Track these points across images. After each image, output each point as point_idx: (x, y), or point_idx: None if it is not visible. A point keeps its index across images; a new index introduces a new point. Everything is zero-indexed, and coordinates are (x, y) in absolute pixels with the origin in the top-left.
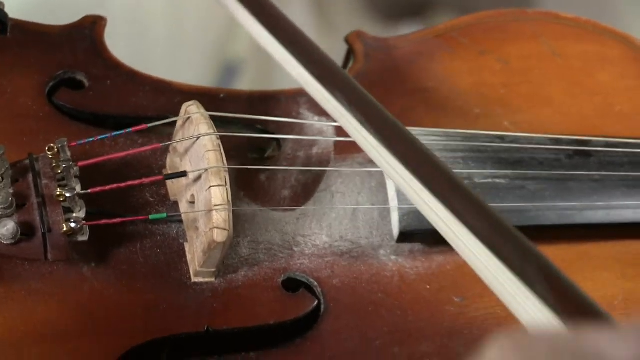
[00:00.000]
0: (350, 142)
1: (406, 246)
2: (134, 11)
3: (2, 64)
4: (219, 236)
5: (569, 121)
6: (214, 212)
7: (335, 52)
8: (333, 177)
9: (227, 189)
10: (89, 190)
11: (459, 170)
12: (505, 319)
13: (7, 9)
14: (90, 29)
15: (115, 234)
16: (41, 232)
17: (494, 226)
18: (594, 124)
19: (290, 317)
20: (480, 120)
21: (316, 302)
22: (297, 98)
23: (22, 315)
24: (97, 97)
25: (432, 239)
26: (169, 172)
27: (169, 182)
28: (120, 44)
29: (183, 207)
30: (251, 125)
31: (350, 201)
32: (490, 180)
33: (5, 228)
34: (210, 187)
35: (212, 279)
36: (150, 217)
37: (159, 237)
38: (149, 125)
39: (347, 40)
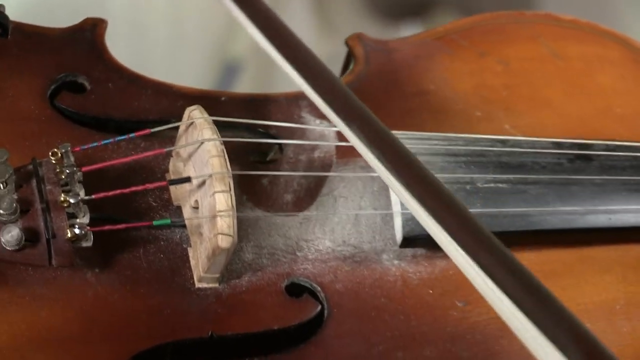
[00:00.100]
0: (352, 146)
1: (409, 251)
2: (133, 11)
3: (3, 67)
4: (224, 242)
5: (569, 123)
6: (218, 218)
7: (335, 52)
8: (335, 181)
9: (231, 195)
10: (93, 196)
11: (461, 175)
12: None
13: (6, 10)
14: (91, 32)
15: (119, 240)
16: (45, 238)
17: (529, 290)
18: (594, 126)
19: (293, 322)
20: (481, 123)
21: (319, 307)
22: (299, 101)
23: (26, 321)
24: (99, 101)
25: (435, 244)
26: (172, 176)
27: (172, 187)
28: (120, 44)
29: (187, 212)
30: (253, 129)
31: (353, 205)
32: (492, 184)
33: (10, 234)
34: (215, 192)
35: (216, 285)
36: (154, 223)
37: (162, 243)
38: (153, 130)
39: (347, 43)
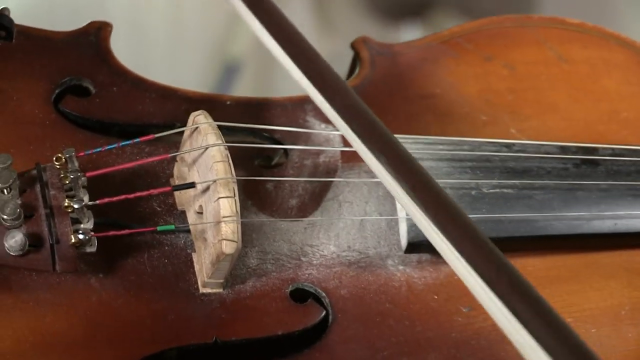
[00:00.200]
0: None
1: (414, 256)
2: (133, 11)
3: (7, 71)
4: (228, 248)
5: (574, 127)
6: (223, 224)
7: (335, 51)
8: (340, 186)
9: (235, 200)
10: (97, 202)
11: (466, 180)
12: None
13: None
14: (95, 35)
15: (123, 245)
16: (49, 244)
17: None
18: (600, 130)
19: (298, 328)
20: (487, 127)
21: (324, 313)
22: (304, 105)
23: (30, 326)
24: (103, 104)
25: None
26: (177, 181)
27: (176, 192)
28: (120, 44)
29: (191, 217)
30: (258, 133)
31: (358, 211)
32: (498, 190)
33: (14, 239)
34: (219, 198)
35: (220, 290)
36: (158, 228)
37: (166, 248)
38: (157, 135)
39: (353, 46)
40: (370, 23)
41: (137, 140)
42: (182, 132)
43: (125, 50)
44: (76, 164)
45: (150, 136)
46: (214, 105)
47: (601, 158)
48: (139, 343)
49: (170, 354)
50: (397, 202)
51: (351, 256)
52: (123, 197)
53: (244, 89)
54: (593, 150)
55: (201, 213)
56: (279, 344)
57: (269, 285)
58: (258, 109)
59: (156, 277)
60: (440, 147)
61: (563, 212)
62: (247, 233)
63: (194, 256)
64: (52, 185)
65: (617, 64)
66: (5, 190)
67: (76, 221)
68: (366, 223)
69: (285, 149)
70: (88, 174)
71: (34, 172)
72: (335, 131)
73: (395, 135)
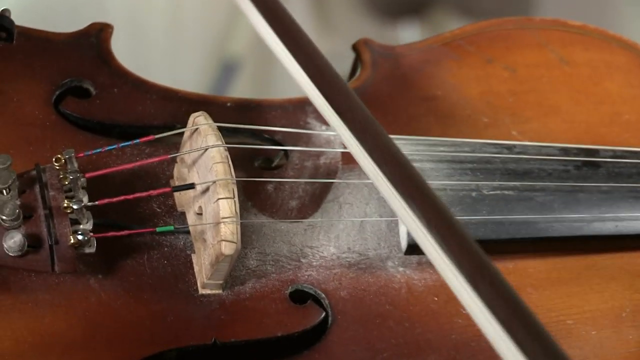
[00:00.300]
0: None
1: (414, 258)
2: (132, 10)
3: (8, 72)
4: (227, 249)
5: (576, 129)
6: (222, 225)
7: (334, 50)
8: (341, 188)
9: (235, 202)
10: (97, 202)
11: (467, 182)
12: None
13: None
14: (96, 37)
15: (122, 246)
16: (48, 244)
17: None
18: (601, 133)
19: (297, 329)
20: (488, 130)
21: (324, 314)
22: (305, 107)
23: (29, 327)
24: (104, 106)
25: None
26: (177, 182)
27: (176, 193)
28: (119, 43)
29: (190, 218)
30: (258, 134)
31: (358, 212)
32: (499, 191)
33: (13, 240)
34: (219, 199)
35: (220, 291)
36: (158, 229)
37: (166, 249)
38: (157, 136)
39: (354, 48)
40: (368, 22)
41: (137, 141)
42: (182, 133)
43: (124, 49)
44: (75, 164)
45: (150, 137)
46: (214, 106)
47: (602, 160)
48: (138, 344)
49: (170, 355)
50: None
51: (351, 258)
52: (122, 198)
53: (242, 87)
54: (594, 152)
55: (201, 214)
56: (279, 345)
57: (269, 287)
58: (258, 110)
59: (155, 278)
60: (441, 148)
61: (564, 214)
62: (247, 234)
63: (194, 257)
64: (51, 186)
65: (619, 67)
66: (4, 191)
67: (75, 222)
68: (366, 224)
69: (285, 151)
70: (87, 175)
71: (34, 172)
72: (335, 133)
73: (396, 136)
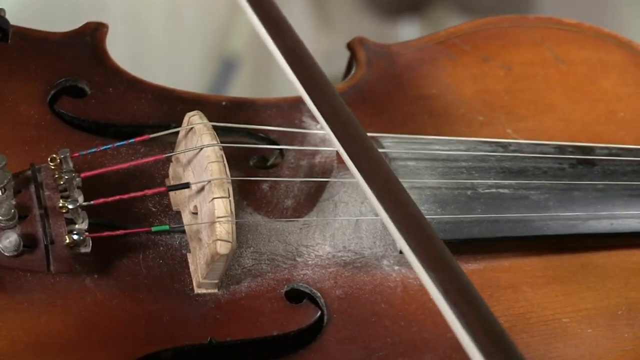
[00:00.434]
0: None
1: None
2: (131, 7)
3: (3, 72)
4: (222, 248)
5: (571, 128)
6: (217, 224)
7: (334, 49)
8: (336, 186)
9: (230, 201)
10: (92, 202)
11: (462, 180)
12: (508, 330)
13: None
14: (91, 36)
15: (118, 245)
16: (43, 244)
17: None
18: (597, 131)
19: (293, 328)
20: (483, 128)
21: (319, 313)
22: (300, 106)
23: (24, 327)
24: (99, 105)
25: None
26: (172, 181)
27: (171, 193)
28: (118, 41)
29: (186, 218)
30: (254, 133)
31: (353, 211)
32: (494, 190)
33: (8, 240)
34: (214, 198)
35: (215, 290)
36: (153, 229)
37: (161, 248)
38: (152, 135)
39: (349, 46)
40: (368, 20)
41: (132, 140)
42: (178, 132)
43: (123, 47)
44: (71, 164)
45: (145, 137)
46: (209, 105)
47: (597, 158)
48: (134, 344)
49: (166, 354)
50: None
51: (346, 256)
52: (118, 197)
53: (241, 85)
54: (589, 150)
55: (196, 213)
56: (274, 344)
57: (264, 286)
58: (254, 109)
59: (151, 277)
60: (436, 147)
61: (559, 212)
62: (242, 233)
63: (189, 257)
64: (46, 185)
65: (614, 65)
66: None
67: (71, 222)
68: (362, 223)
69: (281, 150)
70: (83, 175)
71: (29, 172)
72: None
73: (391, 135)
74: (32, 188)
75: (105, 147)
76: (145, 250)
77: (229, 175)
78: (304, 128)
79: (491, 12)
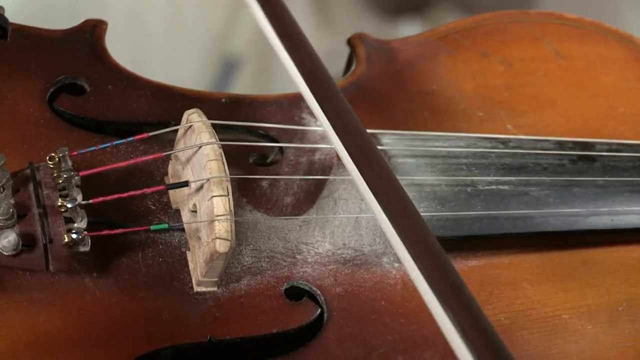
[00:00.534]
0: None
1: None
2: (133, 6)
3: (2, 70)
4: (221, 247)
5: (572, 123)
6: (216, 223)
7: (335, 48)
8: (336, 184)
9: (229, 199)
10: (91, 201)
11: (462, 177)
12: (508, 327)
13: (5, 11)
14: (90, 33)
15: (117, 244)
16: (42, 243)
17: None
18: (597, 126)
19: (293, 326)
20: (483, 124)
21: (319, 311)
22: (300, 102)
23: (24, 326)
24: (98, 103)
25: None
26: (171, 179)
27: (171, 191)
28: (119, 40)
29: (185, 216)
30: (253, 131)
31: (353, 208)
32: (494, 186)
33: (7, 239)
34: (213, 197)
35: (215, 288)
36: (152, 227)
37: (160, 246)
38: (151, 133)
39: (349, 42)
40: (368, 20)
41: (131, 139)
42: (177, 130)
43: (123, 47)
44: (69, 163)
45: (144, 135)
46: (209, 102)
47: (598, 154)
48: (134, 342)
49: (165, 353)
50: None
51: (346, 254)
52: (117, 196)
53: (243, 85)
54: (590, 147)
55: (195, 212)
56: (274, 342)
57: (264, 284)
58: (253, 106)
59: (150, 276)
60: (436, 143)
61: (559, 209)
62: (242, 231)
63: (188, 255)
64: (45, 184)
65: (615, 60)
66: None
67: (69, 220)
68: (361, 220)
69: (280, 147)
70: (81, 173)
71: (27, 171)
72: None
73: (392, 131)
74: (31, 187)
75: (104, 145)
76: (144, 248)
77: (228, 173)
78: (304, 125)
79: (492, 11)
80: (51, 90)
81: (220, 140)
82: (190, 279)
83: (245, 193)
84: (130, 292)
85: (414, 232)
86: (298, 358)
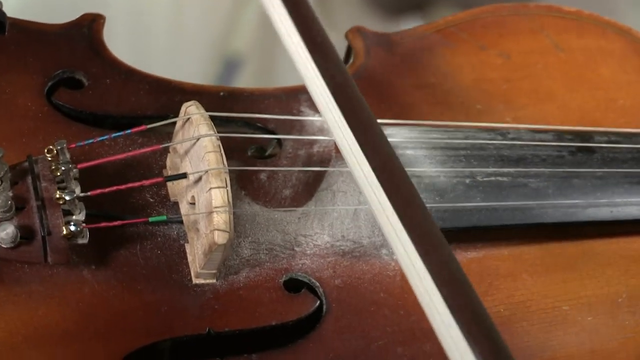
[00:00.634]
0: None
1: None
2: (134, 5)
3: (0, 64)
4: (220, 238)
5: (570, 115)
6: (215, 214)
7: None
8: (334, 176)
9: (227, 191)
10: (89, 193)
11: (460, 169)
12: (508, 318)
13: (5, 7)
14: (88, 27)
15: (116, 236)
16: (41, 236)
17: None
18: (596, 118)
19: (292, 318)
20: (482, 116)
21: (318, 303)
22: (298, 95)
23: (22, 319)
24: (97, 97)
25: None
26: (170, 172)
27: (169, 183)
28: (121, 38)
29: (183, 208)
30: (251, 123)
31: (351, 200)
32: (492, 178)
33: (5, 232)
34: (211, 189)
35: (213, 280)
36: (150, 219)
37: (159, 239)
38: (149, 126)
39: (347, 36)
40: (370, 20)
41: (129, 131)
42: (175, 123)
43: (125, 46)
44: (67, 155)
45: (142, 127)
46: (207, 96)
47: (597, 145)
48: (132, 334)
49: (164, 345)
50: None
51: (345, 246)
52: (115, 188)
53: (244, 84)
54: (589, 137)
55: (194, 204)
56: (273, 334)
57: (263, 276)
58: (251, 99)
59: (149, 268)
60: (435, 135)
61: (558, 200)
62: (240, 223)
63: (187, 247)
64: (43, 177)
65: (614, 52)
66: None
67: (68, 213)
68: (360, 212)
69: (278, 139)
70: (80, 166)
71: (26, 164)
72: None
73: (391, 121)
74: (29, 180)
75: (102, 137)
76: (142, 241)
77: (226, 165)
78: (302, 117)
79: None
80: (49, 84)
81: (218, 132)
82: (189, 271)
83: (243, 185)
84: (129, 285)
85: (422, 225)
86: (297, 350)
